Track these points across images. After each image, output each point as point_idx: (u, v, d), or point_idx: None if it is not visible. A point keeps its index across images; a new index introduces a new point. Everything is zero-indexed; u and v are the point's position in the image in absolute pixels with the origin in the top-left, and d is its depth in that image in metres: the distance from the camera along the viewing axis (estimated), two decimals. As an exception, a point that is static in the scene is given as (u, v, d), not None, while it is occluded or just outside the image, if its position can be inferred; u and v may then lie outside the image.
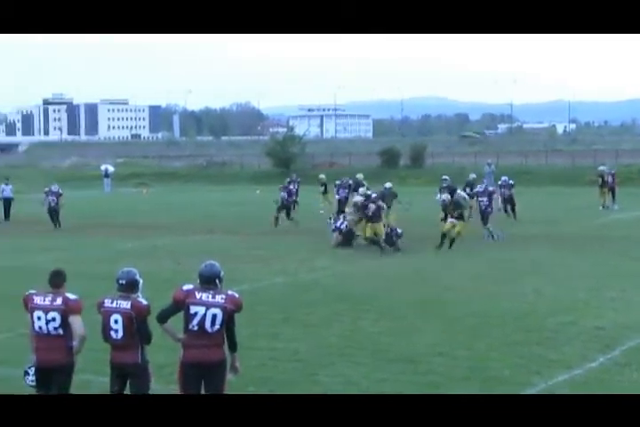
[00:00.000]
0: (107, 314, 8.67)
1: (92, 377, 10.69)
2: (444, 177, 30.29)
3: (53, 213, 30.17)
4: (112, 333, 8.65)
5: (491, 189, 26.71)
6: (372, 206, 23.20)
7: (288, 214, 30.03)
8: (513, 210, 30.49)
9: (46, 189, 31.09)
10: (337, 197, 32.45)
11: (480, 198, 25.51)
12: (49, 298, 8.85)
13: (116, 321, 8.62)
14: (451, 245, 22.91)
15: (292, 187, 32.05)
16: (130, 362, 8.63)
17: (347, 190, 32.12)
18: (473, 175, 32.95)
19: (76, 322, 8.77)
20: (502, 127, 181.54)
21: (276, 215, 29.57)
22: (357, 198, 24.46)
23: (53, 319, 8.77)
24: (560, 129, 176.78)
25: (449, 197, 24.01)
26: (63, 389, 8.80)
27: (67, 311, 8.76)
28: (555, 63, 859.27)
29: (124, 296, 8.70)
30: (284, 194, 30.22)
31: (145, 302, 8.70)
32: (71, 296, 8.89)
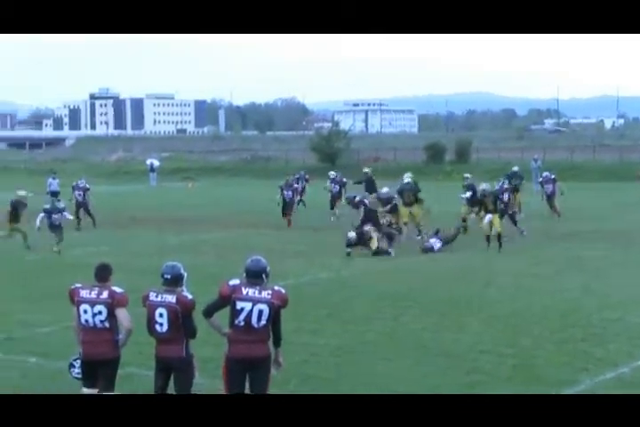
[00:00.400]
0: (152, 308, 8.71)
1: (136, 370, 10.79)
2: (465, 175, 29.50)
3: (80, 208, 29.45)
4: (157, 326, 8.69)
5: (506, 187, 25.79)
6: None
7: (285, 212, 28.99)
8: (551, 207, 29.69)
9: (73, 183, 30.64)
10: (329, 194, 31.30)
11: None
12: (95, 291, 8.92)
13: (161, 315, 8.65)
14: (500, 246, 22.17)
15: (297, 185, 31.43)
16: (174, 356, 8.66)
17: (338, 186, 31.37)
18: (515, 168, 32.61)
19: (123, 315, 8.84)
20: (549, 123, 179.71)
21: (288, 217, 28.82)
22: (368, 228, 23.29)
23: (100, 313, 8.84)
24: (608, 124, 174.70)
25: (488, 186, 23.64)
26: (108, 382, 8.88)
27: (113, 305, 8.83)
28: (602, 59, 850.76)
29: (170, 290, 8.73)
30: (289, 193, 29.37)
31: (190, 297, 8.72)
32: (117, 290, 8.96)
